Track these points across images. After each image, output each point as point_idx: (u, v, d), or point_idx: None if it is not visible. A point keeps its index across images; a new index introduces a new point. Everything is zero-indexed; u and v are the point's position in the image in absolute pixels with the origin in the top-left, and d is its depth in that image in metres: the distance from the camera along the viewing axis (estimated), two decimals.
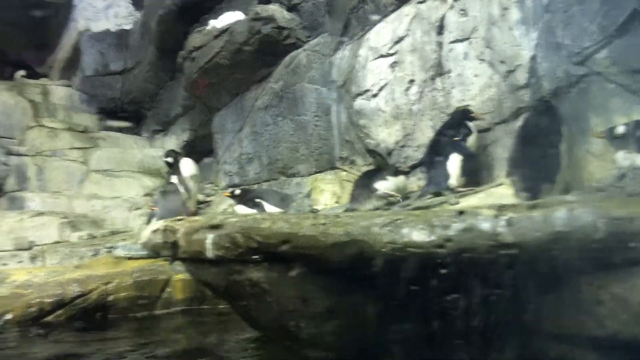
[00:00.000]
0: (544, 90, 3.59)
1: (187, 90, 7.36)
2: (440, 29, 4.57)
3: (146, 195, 7.38)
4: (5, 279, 4.32)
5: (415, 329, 1.97)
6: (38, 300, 3.91)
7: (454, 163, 3.95)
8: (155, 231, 2.76)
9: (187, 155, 6.74)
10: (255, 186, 6.19)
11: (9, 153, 7.48)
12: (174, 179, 6.08)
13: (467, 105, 4.15)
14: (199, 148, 7.58)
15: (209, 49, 6.54)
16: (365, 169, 4.88)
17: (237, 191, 5.54)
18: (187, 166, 6.33)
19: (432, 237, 1.71)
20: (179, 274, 4.29)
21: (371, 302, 2.01)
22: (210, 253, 2.36)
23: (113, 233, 6.37)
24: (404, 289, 1.90)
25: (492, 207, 1.74)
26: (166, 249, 2.72)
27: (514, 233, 1.62)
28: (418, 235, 1.74)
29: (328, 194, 5.50)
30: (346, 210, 4.18)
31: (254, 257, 2.20)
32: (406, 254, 1.75)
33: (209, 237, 2.36)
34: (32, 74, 9.42)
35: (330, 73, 5.64)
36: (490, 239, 1.64)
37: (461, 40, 4.35)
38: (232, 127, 6.81)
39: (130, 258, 5.10)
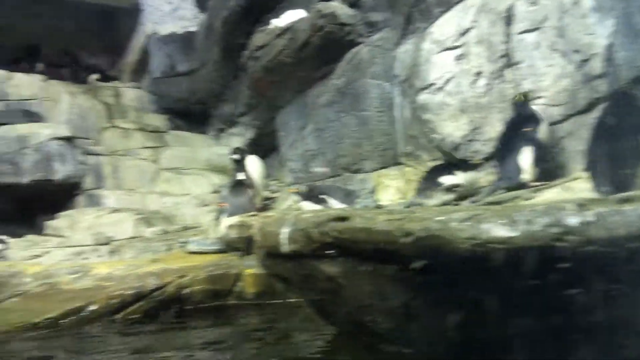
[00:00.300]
0: (622, 79, 3.44)
1: (250, 89, 7.52)
2: (508, 19, 4.47)
3: (214, 192, 7.61)
4: (88, 272, 4.57)
5: (496, 329, 1.95)
6: (119, 292, 4.10)
7: (526, 156, 3.86)
8: (231, 226, 2.88)
9: (252, 152, 6.90)
10: (320, 182, 6.25)
11: (87, 153, 7.88)
12: (241, 175, 6.24)
13: (527, 91, 4.05)
14: (263, 145, 7.72)
15: (272, 48, 6.66)
16: (431, 164, 4.84)
17: (303, 188, 5.63)
18: (253, 163, 6.48)
19: (515, 233, 1.69)
20: (250, 269, 4.39)
21: (448, 299, 2.01)
22: (285, 248, 2.43)
23: (184, 228, 6.61)
24: (482, 286, 1.88)
25: (576, 202, 1.70)
26: (241, 243, 2.83)
27: (604, 228, 1.58)
28: (500, 230, 1.72)
29: (392, 189, 5.49)
30: (411, 205, 4.17)
31: (329, 252, 2.24)
32: (487, 250, 1.74)
33: (284, 232, 2.43)
34: (105, 78, 9.88)
35: (392, 68, 5.63)
36: (578, 235, 1.60)
37: (531, 30, 4.24)
38: (295, 125, 6.90)
39: (201, 253, 5.27)
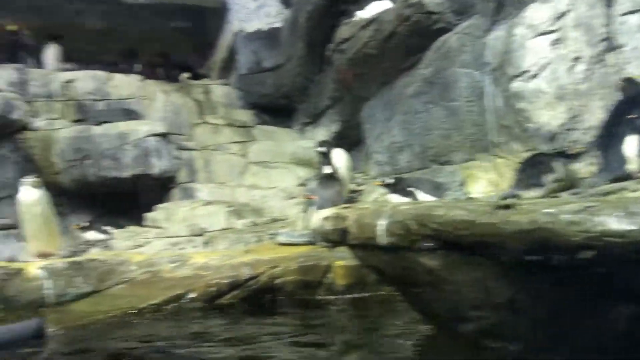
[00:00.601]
0: None
1: (335, 82, 7.56)
2: (609, 1, 4.21)
3: (299, 185, 7.74)
4: (186, 261, 4.81)
5: (608, 324, 1.86)
6: (216, 281, 4.29)
7: (631, 145, 3.62)
8: (325, 218, 2.89)
9: (338, 145, 6.94)
10: (407, 175, 6.18)
11: (180, 148, 8.27)
12: (327, 169, 6.29)
13: (632, 76, 3.78)
14: (348, 138, 7.74)
15: (357, 40, 6.66)
16: (525, 154, 4.65)
17: (390, 180, 5.58)
18: (339, 156, 6.52)
19: (634, 226, 1.59)
20: (340, 260, 4.43)
21: (557, 293, 1.93)
22: (382, 240, 2.42)
23: (272, 220, 6.77)
24: (596, 281, 1.79)
25: None
26: (336, 235, 2.84)
27: None
28: (616, 223, 1.62)
29: (484, 181, 5.33)
30: (506, 197, 4.02)
31: (428, 244, 2.22)
32: (602, 244, 1.65)
33: (381, 224, 2.42)
34: (195, 76, 10.29)
35: (482, 55, 5.45)
36: None
37: (635, 12, 3.97)
38: (381, 116, 6.86)
39: (291, 244, 5.40)
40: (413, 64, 6.24)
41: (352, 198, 6.72)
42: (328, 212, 2.93)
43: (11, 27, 9.81)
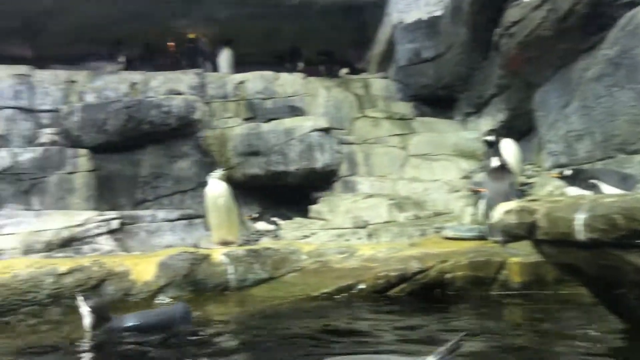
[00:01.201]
0: None
1: (503, 68, 7.15)
2: None
3: (464, 177, 7.47)
4: (354, 253, 4.89)
5: None
6: (384, 273, 4.29)
7: None
8: (508, 212, 2.73)
9: (506, 135, 6.57)
10: (587, 166, 5.64)
11: (341, 142, 8.46)
12: (495, 160, 5.98)
13: None
14: (516, 128, 7.30)
15: (529, 22, 6.22)
16: None
17: (568, 172, 5.14)
18: (509, 146, 6.16)
19: None
20: (515, 257, 4.20)
21: None
22: (580, 235, 2.21)
23: (435, 214, 6.63)
24: None
25: None
26: (520, 229, 2.66)
27: None
28: None
29: None
30: None
31: (638, 241, 1.97)
32: None
33: (580, 218, 2.21)
34: (354, 71, 10.46)
35: None
36: None
37: None
38: (556, 103, 6.34)
39: (458, 239, 5.23)
40: (594, 44, 5.66)
41: (523, 191, 6.32)
42: (511, 205, 2.76)
43: (191, 36, 10.82)
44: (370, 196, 7.27)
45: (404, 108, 9.25)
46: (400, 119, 8.89)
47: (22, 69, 8.93)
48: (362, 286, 4.25)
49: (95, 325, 3.15)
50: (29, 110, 8.71)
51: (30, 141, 8.46)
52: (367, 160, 8.34)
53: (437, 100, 9.17)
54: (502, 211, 2.75)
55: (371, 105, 9.26)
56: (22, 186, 7.82)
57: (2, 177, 7.69)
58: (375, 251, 4.86)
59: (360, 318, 3.70)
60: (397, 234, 6.21)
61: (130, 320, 3.26)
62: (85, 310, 3.18)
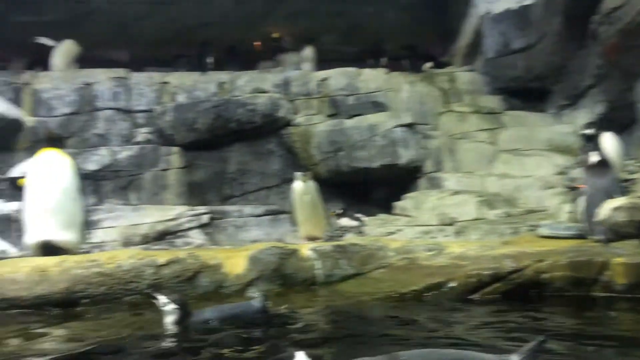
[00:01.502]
0: None
1: (602, 57, 6.73)
2: None
3: (558, 173, 7.10)
4: (442, 250, 4.76)
5: None
6: (476, 271, 4.14)
7: None
8: (617, 209, 2.56)
9: (605, 128, 6.17)
10: None
11: (426, 138, 8.30)
12: (594, 155, 5.63)
13: None
14: (616, 121, 6.84)
15: (631, 8, 5.85)
16: None
17: None
18: (609, 141, 5.78)
19: None
20: (619, 257, 3.91)
21: None
22: None
23: (528, 212, 6.35)
24: None
25: None
26: (630, 227, 2.49)
27: None
28: None
29: None
30: None
31: None
32: None
33: None
34: (438, 64, 10.22)
35: None
36: None
37: None
38: None
39: (554, 237, 4.97)
40: None
41: (624, 188, 5.92)
42: (620, 201, 2.58)
43: (274, 35, 11.03)
44: (458, 193, 7.08)
45: (492, 102, 8.93)
46: (488, 113, 8.61)
47: (120, 72, 9.46)
48: (452, 284, 4.13)
49: (180, 321, 3.23)
50: (126, 111, 9.20)
51: (127, 140, 8.94)
52: (454, 156, 8.14)
53: (528, 93, 8.77)
54: (609, 208, 2.60)
55: (457, 100, 9.02)
56: (121, 182, 8.31)
57: (103, 173, 8.20)
58: (466, 249, 4.71)
59: (449, 316, 3.60)
60: (487, 232, 6.01)
61: (209, 314, 3.34)
62: (170, 306, 3.23)
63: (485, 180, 7.40)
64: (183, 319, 3.23)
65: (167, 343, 3.07)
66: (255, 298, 3.59)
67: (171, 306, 3.22)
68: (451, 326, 3.31)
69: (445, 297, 4.07)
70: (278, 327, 3.30)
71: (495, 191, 7.09)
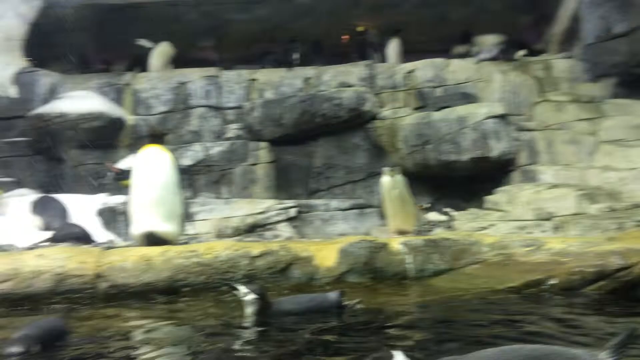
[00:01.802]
0: None
1: None
2: None
3: None
4: (541, 246, 4.54)
5: None
6: (579, 268, 3.92)
7: None
8: None
9: None
10: None
11: (520, 129, 7.96)
12: None
13: None
14: None
15: None
16: None
17: None
18: None
19: None
20: None
21: None
22: None
23: (635, 206, 5.92)
24: None
25: None
26: None
27: None
28: None
29: None
30: None
31: None
32: None
33: None
34: (532, 52, 9.73)
35: None
36: None
37: None
38: None
39: None
40: None
41: None
42: None
43: (360, 28, 10.99)
44: (555, 186, 6.74)
45: (592, 90, 8.40)
46: (588, 102, 8.11)
47: (211, 70, 9.81)
48: (553, 282, 3.93)
49: (260, 311, 3.29)
50: (217, 108, 9.53)
51: (219, 136, 9.27)
52: (550, 148, 7.75)
53: (632, 80, 8.16)
54: None
55: (553, 88, 8.58)
56: (213, 177, 8.64)
57: (197, 168, 8.56)
58: (567, 245, 4.46)
59: (549, 314, 3.42)
60: (589, 227, 5.66)
61: (287, 304, 3.40)
62: (251, 297, 3.28)
63: (585, 173, 6.98)
64: (263, 309, 3.30)
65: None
66: (332, 291, 3.61)
67: (251, 296, 3.30)
68: (549, 322, 3.15)
69: (545, 294, 3.90)
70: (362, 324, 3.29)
71: (597, 184, 6.67)
